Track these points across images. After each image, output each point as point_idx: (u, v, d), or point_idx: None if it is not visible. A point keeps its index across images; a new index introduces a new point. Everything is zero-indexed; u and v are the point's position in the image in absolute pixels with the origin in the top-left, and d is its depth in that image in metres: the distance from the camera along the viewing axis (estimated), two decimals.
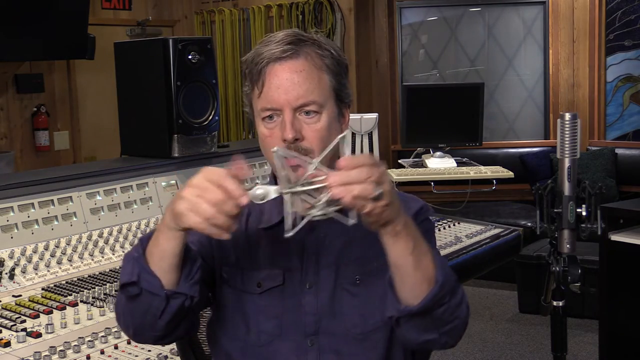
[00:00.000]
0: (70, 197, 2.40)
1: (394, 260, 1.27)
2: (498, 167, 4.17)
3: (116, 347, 1.76)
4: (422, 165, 4.18)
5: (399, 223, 1.23)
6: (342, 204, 1.16)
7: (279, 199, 1.42)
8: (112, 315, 1.93)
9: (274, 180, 1.45)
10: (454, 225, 2.93)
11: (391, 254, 1.27)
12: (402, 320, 1.33)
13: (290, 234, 1.20)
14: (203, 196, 1.20)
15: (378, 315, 1.41)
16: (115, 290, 2.07)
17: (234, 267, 1.43)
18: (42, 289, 2.09)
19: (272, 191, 1.22)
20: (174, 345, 1.70)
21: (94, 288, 2.09)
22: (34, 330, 1.81)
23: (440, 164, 4.13)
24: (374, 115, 3.54)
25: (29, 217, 2.28)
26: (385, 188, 1.17)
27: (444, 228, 2.89)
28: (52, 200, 2.35)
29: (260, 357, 1.42)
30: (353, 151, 3.45)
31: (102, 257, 2.32)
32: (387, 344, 1.43)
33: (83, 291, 2.07)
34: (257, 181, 2.87)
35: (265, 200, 1.23)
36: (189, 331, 1.43)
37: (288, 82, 1.37)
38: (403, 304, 1.30)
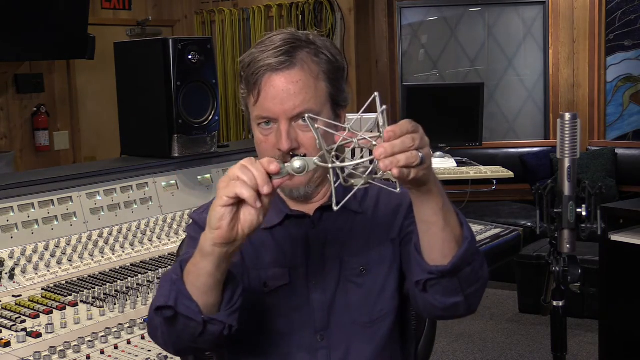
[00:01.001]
0: (70, 197, 2.40)
1: (425, 218, 1.26)
2: (498, 167, 4.18)
3: (116, 347, 1.76)
4: None
5: (432, 181, 1.22)
6: (390, 174, 1.14)
7: (276, 199, 1.42)
8: (112, 315, 1.93)
9: None
10: None
11: (422, 212, 1.26)
12: (429, 284, 1.32)
13: (337, 208, 1.18)
14: (243, 170, 1.17)
15: (383, 302, 1.43)
16: (116, 290, 2.07)
17: (240, 268, 1.44)
18: (42, 289, 2.09)
19: (312, 163, 1.19)
20: None
21: (94, 288, 2.09)
22: (34, 330, 1.81)
23: (440, 164, 4.13)
24: (374, 115, 3.53)
25: (29, 217, 2.28)
26: (425, 152, 1.16)
27: None
28: (52, 200, 2.35)
29: (271, 357, 1.43)
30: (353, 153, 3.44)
31: (102, 257, 2.32)
32: (389, 332, 1.44)
33: (83, 291, 2.07)
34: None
35: (305, 173, 1.20)
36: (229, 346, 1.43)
37: (284, 93, 1.36)
38: (433, 265, 1.29)
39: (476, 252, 1.32)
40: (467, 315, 1.39)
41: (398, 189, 1.19)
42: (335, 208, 1.18)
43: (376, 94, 1.22)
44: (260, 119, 1.39)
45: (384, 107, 1.20)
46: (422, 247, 1.30)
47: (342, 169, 1.17)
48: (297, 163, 1.19)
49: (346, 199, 1.20)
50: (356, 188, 1.18)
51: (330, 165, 1.17)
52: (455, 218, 1.29)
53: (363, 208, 1.48)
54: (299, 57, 1.38)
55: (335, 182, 1.18)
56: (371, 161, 1.15)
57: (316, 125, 1.23)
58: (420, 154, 1.14)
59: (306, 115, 1.26)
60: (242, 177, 1.16)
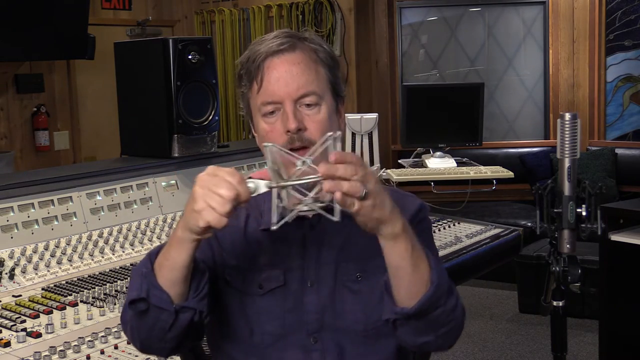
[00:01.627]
0: (70, 197, 2.40)
1: (392, 262, 1.29)
2: (498, 167, 4.17)
3: (116, 347, 1.76)
4: (422, 165, 4.18)
5: (395, 225, 1.25)
6: (333, 199, 1.18)
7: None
8: (112, 315, 1.93)
9: None
10: (454, 225, 2.93)
11: (389, 256, 1.28)
12: (398, 323, 1.34)
13: (275, 227, 1.21)
14: (214, 190, 1.21)
15: (379, 312, 1.41)
16: (116, 290, 2.07)
17: (234, 269, 1.43)
18: (42, 289, 2.09)
19: (262, 185, 1.23)
20: None
21: (94, 288, 2.09)
22: (34, 330, 1.81)
23: (440, 164, 4.13)
24: (374, 115, 3.53)
25: (29, 217, 2.28)
26: (370, 187, 1.18)
27: (444, 228, 2.89)
28: (52, 200, 2.35)
29: (265, 357, 1.42)
30: (353, 151, 3.45)
31: (102, 257, 2.32)
32: (386, 342, 1.43)
33: (83, 291, 2.07)
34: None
35: (256, 194, 1.24)
36: (195, 341, 1.45)
37: (287, 74, 1.38)
38: (399, 306, 1.31)
39: (446, 295, 1.33)
40: (442, 351, 1.41)
41: (335, 218, 1.21)
42: (273, 227, 1.21)
43: (328, 134, 1.26)
44: (265, 105, 1.40)
45: (337, 134, 1.25)
46: (392, 287, 1.33)
47: (294, 196, 1.20)
48: (248, 184, 1.23)
49: (284, 220, 1.22)
50: (295, 212, 1.21)
51: (274, 185, 1.20)
52: (425, 262, 1.30)
53: None
54: (298, 44, 1.41)
55: (280, 202, 1.21)
56: (311, 187, 1.18)
57: (273, 149, 1.25)
58: (363, 188, 1.17)
59: (268, 143, 1.27)
60: (218, 207, 1.20)
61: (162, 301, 1.30)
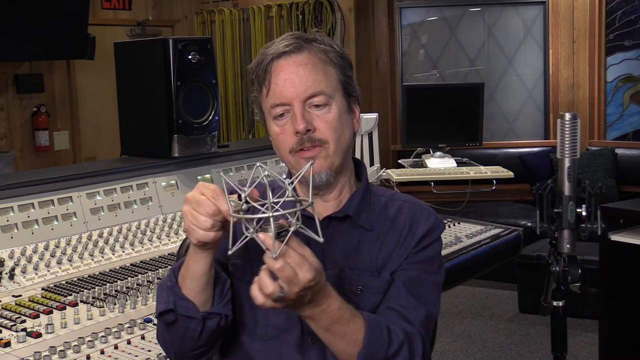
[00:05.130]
0: (70, 197, 2.40)
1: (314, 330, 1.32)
2: (498, 167, 4.17)
3: (116, 347, 1.76)
4: (422, 165, 4.17)
5: (304, 312, 1.27)
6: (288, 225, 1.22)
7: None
8: (112, 315, 1.93)
9: (289, 176, 1.46)
10: (454, 225, 2.93)
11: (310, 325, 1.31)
12: None
13: (230, 252, 1.24)
14: (199, 210, 1.25)
15: None
16: (116, 290, 2.07)
17: (243, 259, 1.44)
18: (42, 289, 2.09)
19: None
20: None
21: (94, 288, 2.09)
22: (34, 330, 1.81)
23: (440, 164, 4.12)
24: (374, 115, 3.53)
25: (29, 217, 2.27)
26: (287, 295, 1.19)
27: (444, 228, 2.88)
28: (52, 200, 2.35)
29: (265, 350, 1.43)
30: (354, 152, 3.44)
31: (102, 257, 2.32)
32: None
33: (83, 291, 2.07)
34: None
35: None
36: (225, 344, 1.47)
37: (294, 75, 1.38)
38: None
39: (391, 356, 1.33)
40: None
41: (320, 239, 1.22)
42: (230, 252, 1.23)
43: (309, 162, 1.27)
44: (274, 108, 1.40)
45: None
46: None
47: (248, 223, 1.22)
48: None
49: (238, 244, 1.22)
50: (247, 238, 1.22)
51: (231, 212, 1.22)
52: (345, 342, 1.30)
53: (374, 226, 1.47)
54: (305, 45, 1.41)
55: (247, 231, 1.22)
56: (266, 219, 1.19)
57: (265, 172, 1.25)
58: (281, 293, 1.19)
59: (257, 163, 1.28)
60: (205, 226, 1.25)
61: (189, 310, 1.34)
